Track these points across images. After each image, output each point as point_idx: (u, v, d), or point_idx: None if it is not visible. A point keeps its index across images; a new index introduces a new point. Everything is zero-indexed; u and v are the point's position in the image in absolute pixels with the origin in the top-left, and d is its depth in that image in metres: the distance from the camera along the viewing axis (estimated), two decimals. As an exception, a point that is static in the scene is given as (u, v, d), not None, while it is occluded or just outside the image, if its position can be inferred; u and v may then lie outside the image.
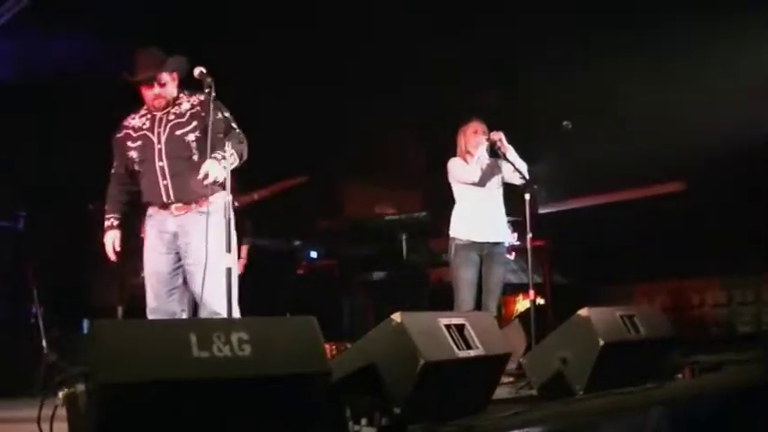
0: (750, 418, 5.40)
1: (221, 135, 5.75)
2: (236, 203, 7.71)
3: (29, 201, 8.98)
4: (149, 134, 5.94)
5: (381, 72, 10.58)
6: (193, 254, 5.78)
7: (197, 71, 5.61)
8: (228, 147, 5.53)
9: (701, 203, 11.34)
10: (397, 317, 4.52)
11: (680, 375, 6.64)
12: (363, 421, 4.13)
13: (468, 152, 7.79)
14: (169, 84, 5.96)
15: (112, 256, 6.01)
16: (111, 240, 6.00)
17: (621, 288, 12.38)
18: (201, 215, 5.80)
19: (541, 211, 12.97)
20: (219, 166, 5.55)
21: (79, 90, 9.03)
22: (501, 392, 6.20)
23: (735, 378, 6.66)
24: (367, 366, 4.46)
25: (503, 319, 10.43)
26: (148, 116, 6.02)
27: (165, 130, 5.91)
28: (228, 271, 5.19)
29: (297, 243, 9.99)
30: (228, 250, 5.22)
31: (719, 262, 11.42)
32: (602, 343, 5.76)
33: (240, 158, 5.81)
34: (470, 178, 7.67)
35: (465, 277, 7.70)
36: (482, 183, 7.68)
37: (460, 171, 7.76)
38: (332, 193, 10.77)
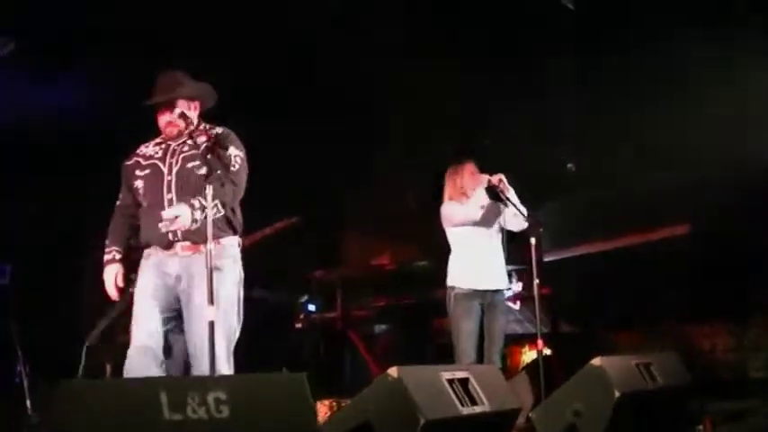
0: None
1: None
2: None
3: (14, 253, 8.62)
4: (159, 164, 5.45)
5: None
6: (196, 301, 5.22)
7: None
8: (210, 191, 4.99)
9: (709, 243, 11.00)
10: (393, 371, 4.13)
11: (700, 427, 6.22)
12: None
13: (463, 194, 7.38)
14: (185, 111, 5.49)
15: (113, 292, 5.45)
16: (114, 274, 5.44)
17: (630, 335, 11.99)
18: (206, 257, 5.07)
19: (546, 258, 12.70)
20: (188, 215, 5.11)
21: (68, 138, 8.68)
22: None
23: (757, 429, 6.26)
24: (362, 426, 4.07)
25: (508, 371, 10.10)
26: (162, 145, 5.55)
27: (177, 162, 5.42)
28: (211, 324, 4.76)
29: (293, 295, 9.59)
30: (211, 302, 4.78)
31: (729, 305, 11.07)
32: (617, 394, 5.36)
33: (224, 206, 5.35)
34: (471, 218, 7.23)
35: (466, 328, 7.20)
36: (483, 224, 7.25)
37: (458, 213, 7.32)
38: (328, 242, 10.38)
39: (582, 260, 12.80)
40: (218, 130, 5.48)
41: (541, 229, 7.10)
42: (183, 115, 5.43)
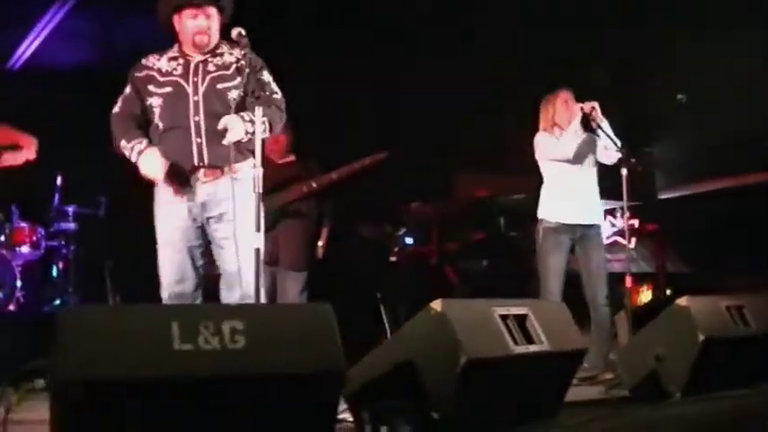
0: None
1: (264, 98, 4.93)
2: (314, 185, 7.21)
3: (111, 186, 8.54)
4: (182, 82, 5.01)
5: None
6: (226, 226, 4.96)
7: (235, 32, 4.80)
8: (259, 112, 4.66)
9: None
10: (437, 305, 3.81)
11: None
12: (383, 429, 3.44)
13: (556, 124, 6.97)
14: (215, 21, 5.06)
15: (161, 177, 4.97)
16: (157, 155, 4.95)
17: (748, 279, 11.47)
18: (234, 182, 4.95)
19: (663, 196, 12.26)
20: (242, 126, 4.82)
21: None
22: (591, 392, 5.68)
23: None
24: (402, 363, 3.77)
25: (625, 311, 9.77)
26: (181, 61, 5.08)
27: (203, 81, 4.99)
28: (257, 252, 4.50)
29: (389, 228, 9.34)
30: (258, 229, 4.52)
31: None
32: (702, 338, 4.95)
33: (271, 127, 4.98)
34: (565, 154, 6.83)
35: (553, 264, 6.87)
36: (577, 159, 6.86)
37: (551, 146, 6.92)
38: (427, 175, 10.09)
39: (701, 199, 12.35)
40: (245, 50, 4.94)
41: (634, 160, 6.64)
42: (214, 23, 5.07)
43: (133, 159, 4.95)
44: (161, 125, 5.05)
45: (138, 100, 5.10)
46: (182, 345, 3.06)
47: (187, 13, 5.04)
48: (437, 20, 9.64)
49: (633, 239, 12.81)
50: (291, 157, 7.39)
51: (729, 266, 11.28)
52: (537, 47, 10.07)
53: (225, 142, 4.83)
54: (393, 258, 9.30)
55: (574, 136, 6.84)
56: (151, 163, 4.92)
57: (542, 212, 6.99)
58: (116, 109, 5.15)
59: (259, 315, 3.32)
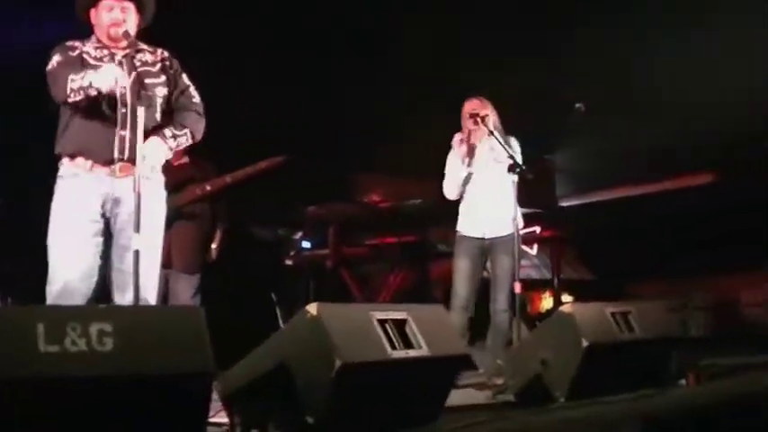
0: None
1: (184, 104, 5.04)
2: (209, 187, 7.16)
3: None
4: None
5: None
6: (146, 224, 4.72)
7: None
8: (188, 123, 4.87)
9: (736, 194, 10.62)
10: (312, 308, 3.78)
11: (683, 381, 5.82)
12: (254, 433, 3.40)
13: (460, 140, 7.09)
14: (132, 16, 5.01)
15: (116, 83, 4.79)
16: (112, 70, 4.80)
17: (651, 286, 11.63)
18: (149, 182, 4.88)
19: (564, 203, 12.35)
20: (164, 149, 4.87)
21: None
22: (477, 397, 5.67)
23: (746, 386, 5.84)
24: (278, 366, 3.73)
25: (528, 317, 9.83)
26: (105, 51, 5.00)
27: (130, 75, 4.85)
28: (136, 253, 4.43)
29: (283, 231, 9.30)
30: (137, 230, 4.45)
31: (756, 257, 10.69)
32: (585, 344, 5.01)
33: (193, 138, 5.08)
34: (448, 194, 7.10)
35: (459, 267, 7.01)
36: (480, 171, 7.03)
37: (448, 168, 7.13)
38: (327, 179, 10.04)
39: (605, 206, 12.49)
40: (163, 51, 5.07)
41: (524, 167, 6.67)
42: (131, 17, 5.02)
43: (86, 83, 4.74)
44: (77, 113, 4.90)
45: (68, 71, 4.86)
46: (47, 346, 3.00)
47: (104, 4, 4.99)
48: (338, 19, 9.61)
49: (535, 246, 12.92)
50: (186, 159, 7.33)
51: (633, 274, 11.45)
52: (440, 50, 10.10)
53: (146, 171, 4.79)
54: (289, 262, 9.26)
55: (454, 175, 7.02)
56: (106, 70, 4.80)
57: (458, 223, 7.17)
58: (55, 60, 4.95)
59: (128, 317, 3.26)
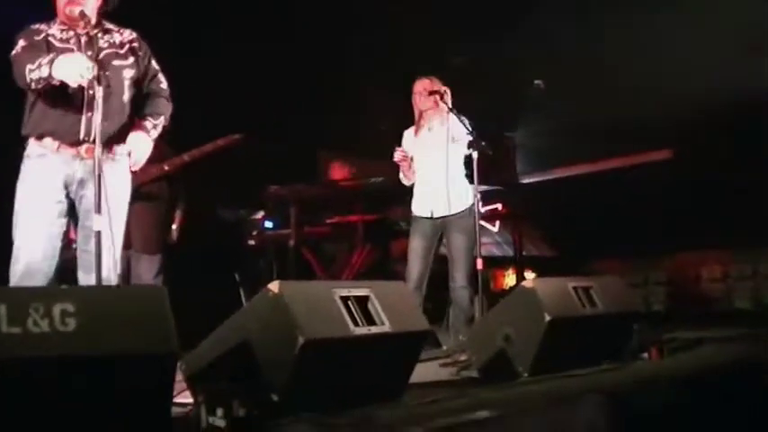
0: (715, 409, 4.64)
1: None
2: (167, 167, 7.12)
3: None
4: (78, 52, 4.82)
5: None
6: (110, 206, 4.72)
7: None
8: (162, 110, 4.96)
9: (693, 171, 10.72)
10: (274, 286, 3.77)
11: (645, 355, 5.86)
12: (219, 412, 3.39)
13: (422, 115, 7.13)
14: None
15: (83, 77, 4.65)
16: (73, 60, 4.71)
17: (613, 263, 11.70)
18: (114, 163, 4.92)
19: (525, 180, 12.42)
20: (149, 142, 4.91)
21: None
22: (441, 373, 5.63)
23: (707, 359, 5.91)
24: (240, 344, 3.73)
25: (492, 294, 9.88)
26: (71, 33, 4.92)
27: (96, 56, 4.75)
28: (98, 234, 4.41)
29: (244, 212, 9.28)
30: (98, 210, 4.43)
31: (716, 234, 10.80)
32: (548, 318, 5.00)
33: (166, 124, 5.17)
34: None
35: (413, 247, 7.13)
36: (429, 151, 7.14)
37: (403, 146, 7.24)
38: (287, 158, 10.01)
39: (565, 183, 12.56)
40: (131, 32, 5.06)
41: (484, 144, 6.69)
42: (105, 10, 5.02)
43: (44, 74, 4.66)
44: (44, 94, 4.83)
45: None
46: (9, 328, 2.98)
47: None
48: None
49: (497, 223, 12.98)
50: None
51: (594, 250, 11.52)
52: (399, 29, 10.07)
53: (134, 168, 4.94)
54: (252, 242, 9.24)
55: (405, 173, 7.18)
56: (69, 63, 4.66)
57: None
58: (20, 45, 4.89)
59: (90, 297, 3.24)
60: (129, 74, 5.01)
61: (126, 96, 5.01)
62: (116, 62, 4.96)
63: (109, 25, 5.09)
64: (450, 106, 6.87)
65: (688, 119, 10.24)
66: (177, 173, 7.30)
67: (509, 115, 11.24)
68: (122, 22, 5.18)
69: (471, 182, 6.91)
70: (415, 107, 7.13)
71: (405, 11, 9.87)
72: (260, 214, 9.32)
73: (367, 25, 10.20)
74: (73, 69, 4.62)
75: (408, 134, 7.25)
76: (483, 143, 6.64)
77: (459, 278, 6.91)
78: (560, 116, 11.19)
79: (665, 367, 5.61)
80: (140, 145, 4.92)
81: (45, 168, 4.88)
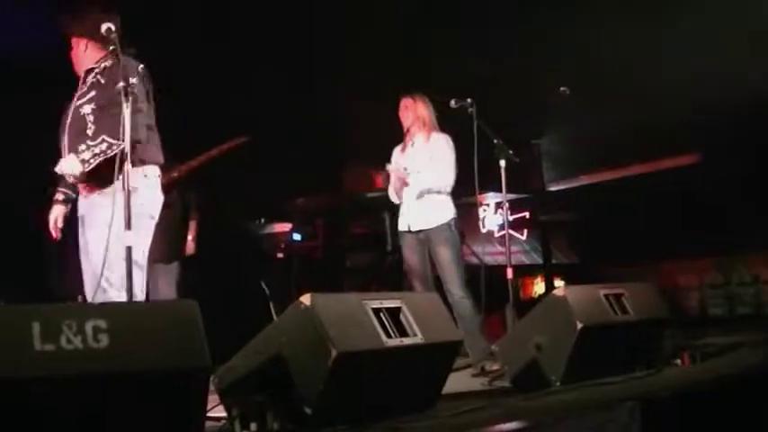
0: (748, 414, 4.61)
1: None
2: (176, 174, 7.12)
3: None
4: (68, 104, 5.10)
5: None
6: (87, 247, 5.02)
7: (104, 27, 4.70)
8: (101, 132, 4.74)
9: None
10: (306, 299, 3.77)
11: (678, 361, 5.83)
12: (253, 426, 3.39)
13: (408, 131, 7.30)
14: (79, 46, 5.18)
15: (54, 233, 5.17)
16: (54, 217, 5.18)
17: (636, 268, 11.67)
18: (104, 198, 4.90)
19: (552, 188, 12.40)
20: (76, 162, 4.74)
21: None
22: (473, 384, 5.71)
23: (741, 364, 5.87)
24: (273, 358, 3.73)
25: (520, 303, 9.84)
26: None
27: (72, 102, 5.05)
28: (129, 250, 4.42)
29: (263, 223, 9.28)
30: (129, 227, 4.44)
31: (717, 241, 10.82)
32: (580, 326, 4.99)
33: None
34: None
35: (409, 263, 7.28)
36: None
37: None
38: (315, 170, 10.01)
39: (586, 190, 12.54)
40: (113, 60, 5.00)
41: (511, 153, 6.70)
42: (74, 50, 5.20)
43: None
44: None
45: None
46: (43, 345, 2.98)
47: None
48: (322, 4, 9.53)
49: (525, 231, 12.97)
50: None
51: (619, 257, 11.50)
52: (419, 39, 10.05)
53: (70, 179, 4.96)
54: (280, 255, 9.24)
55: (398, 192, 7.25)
56: (51, 217, 5.27)
57: None
58: None
59: (122, 313, 3.24)
60: (87, 109, 4.98)
61: (90, 131, 4.95)
62: (78, 102, 5.07)
63: (101, 60, 5.16)
64: (436, 125, 7.13)
65: (715, 122, 10.21)
66: (187, 178, 7.29)
67: (534, 123, 11.21)
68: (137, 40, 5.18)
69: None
70: (405, 122, 7.21)
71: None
72: (287, 226, 9.31)
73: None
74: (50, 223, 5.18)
75: (396, 151, 7.38)
76: (510, 151, 6.63)
77: (454, 290, 6.94)
78: (581, 124, 11.17)
79: (698, 373, 5.58)
80: (66, 165, 4.85)
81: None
